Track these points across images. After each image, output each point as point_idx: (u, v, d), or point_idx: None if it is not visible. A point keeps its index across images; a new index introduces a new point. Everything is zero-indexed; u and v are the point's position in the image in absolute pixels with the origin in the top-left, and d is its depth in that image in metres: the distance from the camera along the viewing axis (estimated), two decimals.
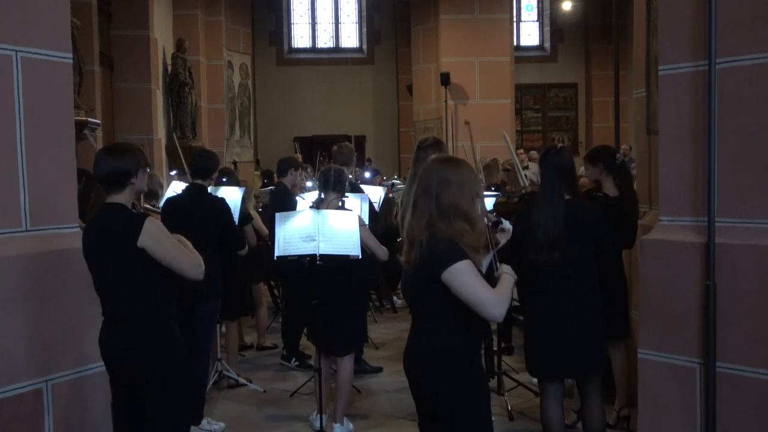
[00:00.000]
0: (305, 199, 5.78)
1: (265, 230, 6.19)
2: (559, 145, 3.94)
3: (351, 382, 4.87)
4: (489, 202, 4.77)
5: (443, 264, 2.68)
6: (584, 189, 4.53)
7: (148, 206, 5.01)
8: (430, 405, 2.87)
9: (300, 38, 18.72)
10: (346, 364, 4.71)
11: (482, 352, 3.06)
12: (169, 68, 12.06)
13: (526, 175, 9.10)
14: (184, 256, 3.16)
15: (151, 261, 3.08)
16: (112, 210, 3.15)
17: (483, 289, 2.69)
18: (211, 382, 5.43)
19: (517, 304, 6.55)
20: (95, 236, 3.17)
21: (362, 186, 6.56)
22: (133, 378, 3.16)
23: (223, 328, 5.80)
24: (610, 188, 4.49)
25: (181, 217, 4.73)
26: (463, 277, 2.67)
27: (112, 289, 3.16)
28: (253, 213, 6.32)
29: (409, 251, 2.81)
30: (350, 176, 6.10)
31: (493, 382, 5.19)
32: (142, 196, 3.59)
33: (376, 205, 6.26)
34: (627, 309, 4.56)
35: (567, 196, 3.71)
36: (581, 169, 12.48)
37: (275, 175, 7.72)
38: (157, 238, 3.08)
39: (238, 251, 5.11)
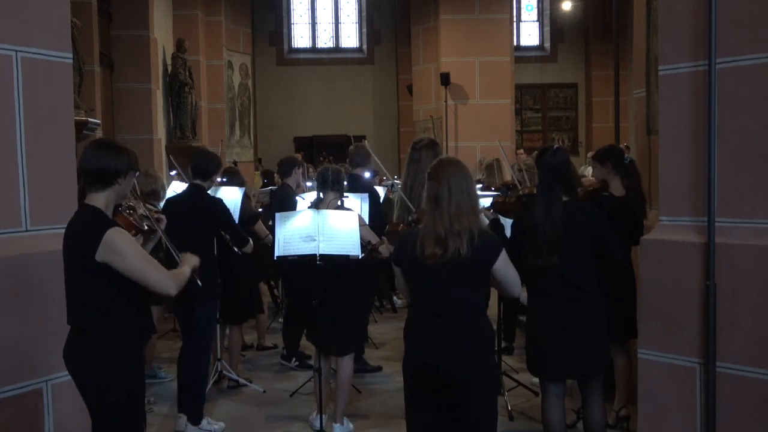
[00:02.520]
0: (305, 199, 5.78)
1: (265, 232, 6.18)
2: (556, 145, 3.93)
3: (351, 382, 4.86)
4: (487, 201, 4.78)
5: (497, 252, 3.07)
6: (590, 188, 4.53)
7: (150, 206, 5.00)
8: (462, 391, 3.06)
9: (300, 38, 18.71)
10: (346, 364, 4.70)
11: None
12: (169, 68, 12.06)
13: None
14: (150, 270, 2.89)
15: (112, 274, 2.84)
16: (86, 214, 2.95)
17: (516, 271, 3.17)
18: (211, 382, 5.43)
19: (520, 304, 6.55)
20: (66, 238, 2.99)
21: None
22: (82, 391, 2.99)
23: (227, 330, 5.80)
24: (617, 188, 4.49)
25: (180, 217, 4.73)
26: (508, 261, 3.12)
27: (72, 297, 2.99)
28: None
29: (445, 245, 3.01)
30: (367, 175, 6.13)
31: None
32: (136, 198, 3.44)
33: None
34: (633, 310, 4.54)
35: (564, 198, 3.70)
36: (581, 168, 12.48)
37: (276, 175, 7.67)
38: (118, 251, 2.81)
39: (243, 248, 5.08)
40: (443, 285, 3.06)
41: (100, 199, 2.94)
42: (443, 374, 3.07)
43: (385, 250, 4.21)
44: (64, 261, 3.00)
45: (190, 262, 3.18)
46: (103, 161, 2.92)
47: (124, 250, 2.84)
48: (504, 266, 3.11)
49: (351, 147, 6.18)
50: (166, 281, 2.93)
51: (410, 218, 3.81)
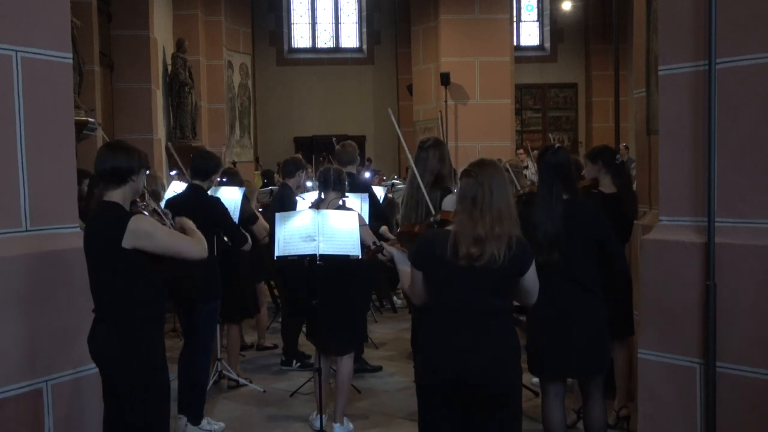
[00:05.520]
0: (305, 199, 5.77)
1: (264, 232, 6.17)
2: (557, 144, 3.93)
3: (350, 382, 4.86)
4: None
5: (530, 261, 2.98)
6: (581, 186, 4.53)
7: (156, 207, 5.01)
8: (498, 403, 2.97)
9: (300, 38, 18.72)
10: (346, 363, 4.70)
11: None
12: (169, 68, 12.06)
13: (525, 175, 9.11)
14: (180, 241, 3.17)
15: (140, 261, 3.06)
16: (106, 208, 3.15)
17: (537, 279, 3.06)
18: (211, 382, 5.43)
19: (517, 303, 6.56)
20: (89, 234, 3.19)
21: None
22: (108, 381, 3.18)
23: (225, 329, 5.79)
24: (607, 186, 4.52)
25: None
26: (535, 270, 3.02)
27: (96, 288, 3.17)
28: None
29: (483, 247, 2.86)
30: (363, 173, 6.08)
31: None
32: (146, 195, 3.58)
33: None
34: (631, 308, 4.55)
35: (565, 196, 3.70)
36: None
37: (277, 175, 7.64)
38: (145, 234, 3.05)
39: (242, 248, 5.07)
40: (476, 291, 2.91)
41: (117, 195, 3.15)
42: (478, 387, 2.92)
43: (395, 251, 3.75)
44: (89, 256, 3.17)
45: (187, 223, 3.40)
46: (118, 161, 3.14)
47: (150, 231, 3.08)
48: (531, 277, 3.00)
49: (337, 147, 6.15)
50: (197, 248, 3.22)
51: (433, 219, 3.64)
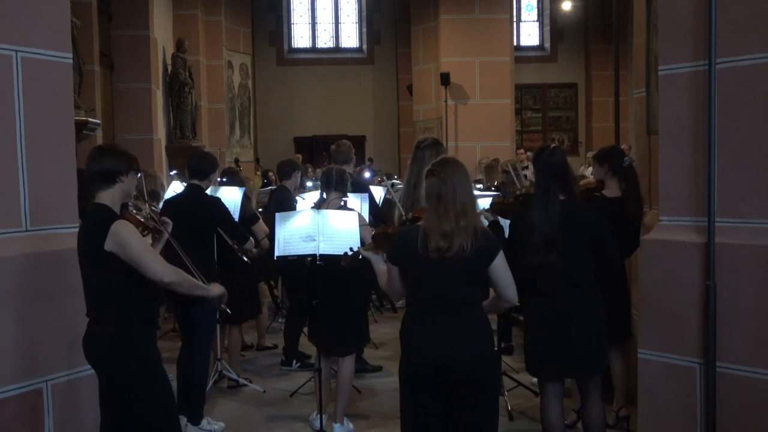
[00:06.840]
0: (305, 200, 5.78)
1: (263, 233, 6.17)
2: (553, 144, 3.91)
3: (351, 383, 4.86)
4: (486, 202, 4.77)
5: (496, 251, 3.07)
6: (585, 188, 4.51)
7: (154, 209, 5.02)
8: (474, 390, 3.06)
9: (300, 38, 18.73)
10: (347, 364, 4.71)
11: None
12: (169, 68, 12.06)
13: (525, 176, 9.13)
14: (148, 260, 3.08)
15: (118, 262, 3.05)
16: (94, 210, 3.16)
17: (511, 276, 3.13)
18: (211, 382, 5.43)
19: (517, 304, 6.56)
20: (79, 236, 3.22)
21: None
22: (103, 383, 3.17)
23: (227, 330, 5.79)
24: (613, 189, 4.47)
25: (179, 217, 4.73)
26: (505, 264, 3.11)
27: (90, 290, 3.16)
28: None
29: (450, 240, 2.99)
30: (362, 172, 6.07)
31: None
32: (141, 196, 3.59)
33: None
34: (628, 310, 4.54)
35: (562, 197, 3.68)
36: (581, 169, 12.50)
37: (272, 174, 7.63)
38: (121, 242, 3.02)
39: (244, 245, 5.08)
40: (446, 283, 3.05)
41: (107, 197, 3.15)
42: (456, 374, 3.03)
43: (371, 254, 3.73)
44: (79, 256, 3.18)
45: (216, 287, 3.49)
46: (105, 164, 3.15)
47: (126, 240, 3.04)
48: (500, 267, 3.09)
49: (332, 146, 6.15)
50: (162, 270, 3.10)
51: (406, 217, 3.69)
